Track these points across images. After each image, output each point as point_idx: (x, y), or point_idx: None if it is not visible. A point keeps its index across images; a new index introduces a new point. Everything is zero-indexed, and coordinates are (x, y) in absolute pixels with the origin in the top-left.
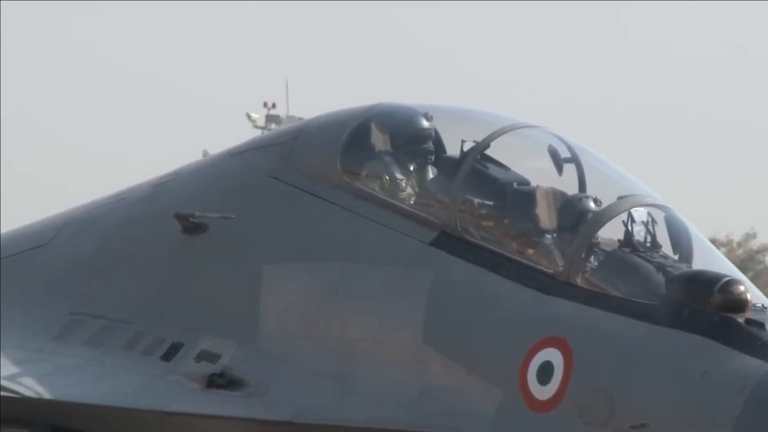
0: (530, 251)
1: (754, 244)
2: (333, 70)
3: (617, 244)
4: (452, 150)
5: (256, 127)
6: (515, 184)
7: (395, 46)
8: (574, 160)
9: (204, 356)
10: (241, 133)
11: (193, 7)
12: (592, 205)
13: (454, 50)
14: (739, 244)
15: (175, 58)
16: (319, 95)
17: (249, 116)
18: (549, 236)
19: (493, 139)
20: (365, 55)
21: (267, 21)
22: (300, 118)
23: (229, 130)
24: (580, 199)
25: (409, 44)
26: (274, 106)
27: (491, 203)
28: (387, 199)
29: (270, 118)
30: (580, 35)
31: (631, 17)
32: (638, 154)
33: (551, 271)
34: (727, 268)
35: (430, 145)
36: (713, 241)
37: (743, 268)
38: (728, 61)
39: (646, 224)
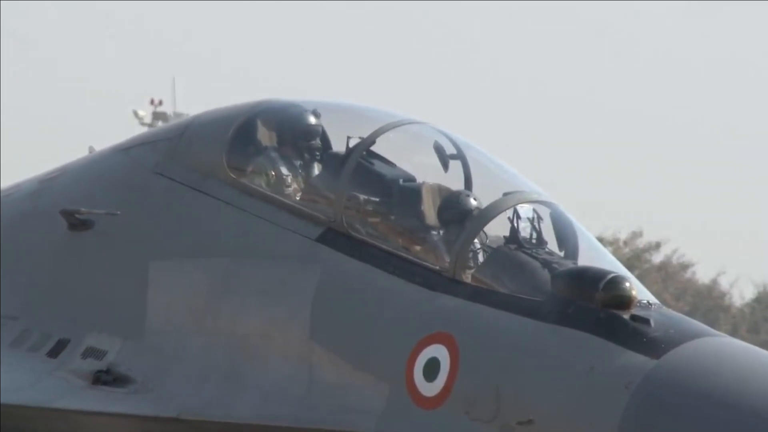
0: (416, 248)
1: (641, 242)
2: (220, 67)
3: (503, 241)
4: (339, 146)
5: (143, 124)
6: (401, 181)
7: (283, 43)
8: (460, 156)
9: (90, 353)
10: (128, 131)
11: (77, 2)
12: (477, 201)
13: (343, 48)
14: (626, 243)
15: (60, 53)
16: (206, 92)
17: (136, 113)
18: (435, 233)
19: (378, 135)
20: (253, 52)
21: (153, 17)
22: (187, 115)
23: (115, 126)
24: (466, 196)
25: (298, 41)
26: (160, 103)
27: (377, 200)
28: (273, 195)
29: (157, 115)
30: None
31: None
32: (523, 152)
33: (437, 267)
34: (613, 265)
35: (317, 142)
36: (600, 240)
37: (630, 267)
38: (610, 49)
39: (531, 221)
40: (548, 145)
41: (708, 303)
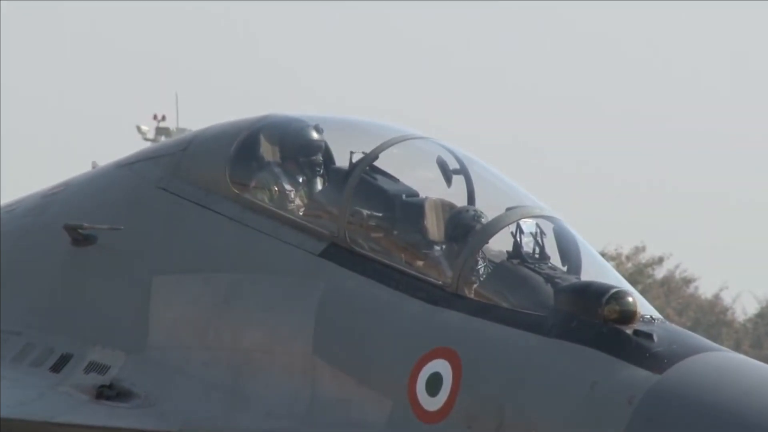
0: (419, 262)
1: (643, 257)
2: (223, 83)
3: (506, 256)
4: (342, 161)
5: (146, 139)
6: (404, 196)
7: (286, 58)
8: (463, 171)
9: (93, 367)
10: (131, 146)
11: (82, 18)
12: (480, 216)
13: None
14: (629, 258)
15: (64, 69)
16: (209, 108)
17: (139, 128)
18: (438, 247)
19: (381, 150)
20: (256, 68)
21: (157, 33)
22: (190, 131)
23: (118, 142)
24: (469, 211)
25: (301, 57)
26: (164, 118)
27: (380, 215)
28: (276, 210)
29: (160, 131)
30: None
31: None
32: (523, 166)
33: (440, 282)
34: (616, 280)
35: (320, 157)
36: (603, 255)
37: (632, 282)
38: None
39: (534, 235)
40: (549, 160)
41: (711, 318)
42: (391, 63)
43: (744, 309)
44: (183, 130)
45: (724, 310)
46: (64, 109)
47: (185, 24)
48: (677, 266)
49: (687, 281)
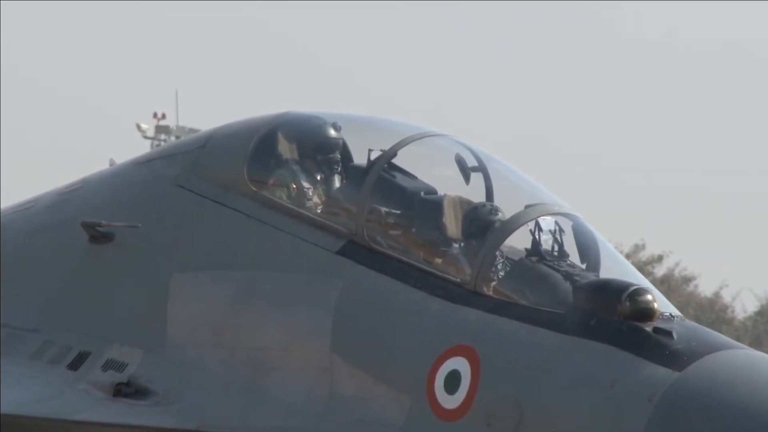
0: (438, 260)
1: (643, 255)
2: (223, 80)
3: (525, 253)
4: (360, 159)
5: (146, 137)
6: (422, 193)
7: (287, 55)
8: (481, 168)
9: (111, 365)
10: (131, 144)
11: (82, 16)
12: (499, 214)
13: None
14: (629, 256)
15: (63, 68)
16: (209, 106)
17: (139, 126)
18: (456, 245)
19: (399, 148)
20: (257, 65)
21: (157, 31)
22: (190, 129)
23: (118, 140)
24: (485, 206)
25: (303, 53)
26: (163, 116)
27: (398, 212)
28: (294, 207)
29: (159, 129)
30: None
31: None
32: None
33: (458, 280)
34: (635, 277)
35: (338, 154)
36: None
37: None
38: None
39: (553, 233)
40: (550, 157)
41: (710, 316)
42: (397, 61)
43: (744, 307)
44: (183, 128)
45: (724, 308)
46: (64, 107)
47: (185, 22)
48: (677, 264)
49: (687, 279)
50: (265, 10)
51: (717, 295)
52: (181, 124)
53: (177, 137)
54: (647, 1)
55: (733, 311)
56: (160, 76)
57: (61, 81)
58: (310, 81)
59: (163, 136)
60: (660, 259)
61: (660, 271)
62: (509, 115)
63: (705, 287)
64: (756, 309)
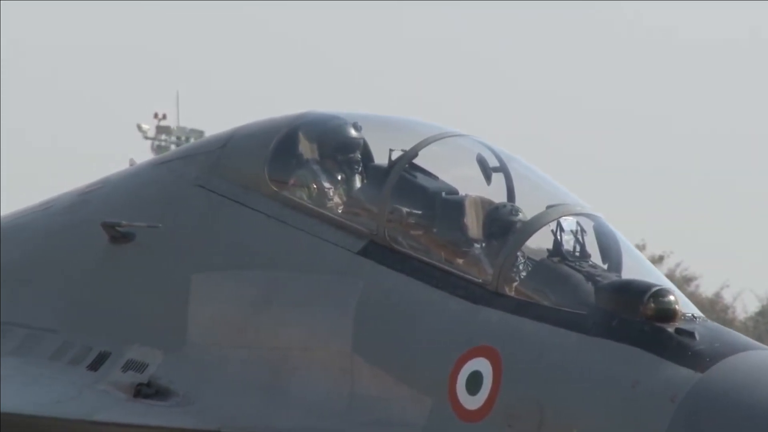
0: (459, 260)
1: (644, 255)
2: (224, 81)
3: (546, 254)
4: (381, 159)
5: (147, 137)
6: (444, 193)
7: (288, 55)
8: (503, 169)
9: (131, 365)
10: (132, 144)
11: (82, 16)
12: (520, 214)
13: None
14: None
15: (64, 68)
16: (210, 107)
17: (139, 127)
18: (478, 245)
19: (421, 148)
20: (258, 65)
21: (157, 31)
22: (191, 129)
23: (119, 140)
24: (506, 206)
25: (304, 53)
26: (164, 117)
27: (420, 212)
28: (315, 208)
29: (160, 129)
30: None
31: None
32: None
33: (480, 280)
34: (657, 278)
35: (358, 155)
36: None
37: None
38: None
39: (575, 233)
40: (550, 157)
41: (711, 316)
42: (396, 61)
43: (745, 307)
44: (183, 128)
45: (725, 309)
46: (64, 107)
47: (186, 22)
48: (678, 265)
49: (688, 280)
50: (266, 10)
51: (718, 295)
52: (181, 124)
53: (177, 138)
54: (647, 1)
55: (734, 312)
56: (161, 77)
57: (61, 81)
58: (310, 81)
59: (163, 137)
60: (661, 259)
61: (661, 271)
62: (509, 115)
63: (706, 287)
64: (757, 309)
